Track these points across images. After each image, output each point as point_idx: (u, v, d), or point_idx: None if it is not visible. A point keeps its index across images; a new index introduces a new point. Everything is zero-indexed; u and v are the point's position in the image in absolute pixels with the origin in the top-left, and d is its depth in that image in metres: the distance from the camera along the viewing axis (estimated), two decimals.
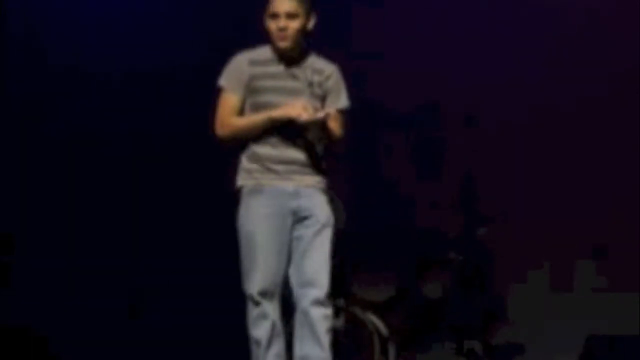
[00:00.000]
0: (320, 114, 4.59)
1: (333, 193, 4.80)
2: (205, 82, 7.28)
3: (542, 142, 7.08)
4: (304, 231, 4.66)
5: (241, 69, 4.72)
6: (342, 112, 4.76)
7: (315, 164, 4.74)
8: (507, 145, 7.07)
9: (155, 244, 7.12)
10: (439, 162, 7.12)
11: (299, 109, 4.57)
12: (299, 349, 4.64)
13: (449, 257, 6.73)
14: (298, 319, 4.64)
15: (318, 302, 4.61)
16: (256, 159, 4.69)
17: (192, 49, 7.40)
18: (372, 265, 6.46)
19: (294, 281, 4.66)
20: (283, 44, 4.67)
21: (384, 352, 6.13)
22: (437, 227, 7.06)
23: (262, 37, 7.16)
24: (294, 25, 4.65)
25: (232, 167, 4.82)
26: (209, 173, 6.97)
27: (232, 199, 4.78)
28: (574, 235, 6.92)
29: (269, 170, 4.66)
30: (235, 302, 4.73)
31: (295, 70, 4.72)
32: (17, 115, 7.32)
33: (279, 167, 4.67)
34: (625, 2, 7.04)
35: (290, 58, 4.71)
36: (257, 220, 4.63)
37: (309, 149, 4.71)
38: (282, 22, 4.63)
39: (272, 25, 4.67)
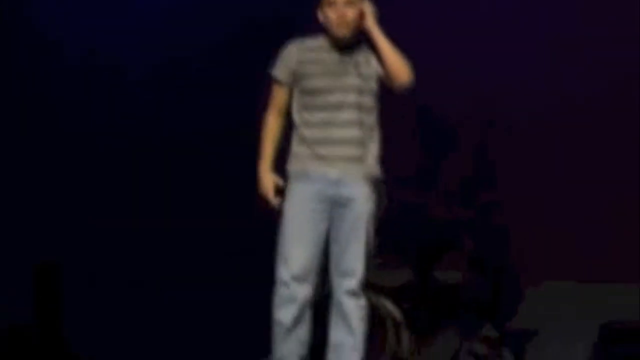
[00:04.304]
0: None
1: (380, 181, 4.83)
2: (224, 74, 7.36)
3: (555, 133, 7.09)
4: (343, 222, 4.76)
5: (290, 55, 4.82)
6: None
7: (362, 149, 4.79)
8: (519, 133, 7.08)
9: None
10: (452, 148, 7.12)
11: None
12: (332, 336, 4.83)
13: (463, 243, 6.74)
14: (333, 307, 4.81)
15: (352, 293, 4.78)
16: (304, 141, 4.78)
17: (208, 42, 7.43)
18: (386, 250, 6.45)
19: (331, 270, 4.80)
20: (342, 32, 4.76)
21: (398, 337, 6.12)
22: (451, 212, 7.07)
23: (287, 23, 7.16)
24: (352, 12, 4.74)
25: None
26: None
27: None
28: (588, 221, 6.91)
29: (316, 155, 4.75)
30: None
31: (345, 56, 4.79)
32: (31, 109, 7.34)
33: (325, 150, 4.74)
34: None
35: (344, 46, 4.79)
36: (297, 205, 4.75)
37: (356, 131, 4.77)
38: (341, 10, 4.72)
39: (330, 14, 4.74)
